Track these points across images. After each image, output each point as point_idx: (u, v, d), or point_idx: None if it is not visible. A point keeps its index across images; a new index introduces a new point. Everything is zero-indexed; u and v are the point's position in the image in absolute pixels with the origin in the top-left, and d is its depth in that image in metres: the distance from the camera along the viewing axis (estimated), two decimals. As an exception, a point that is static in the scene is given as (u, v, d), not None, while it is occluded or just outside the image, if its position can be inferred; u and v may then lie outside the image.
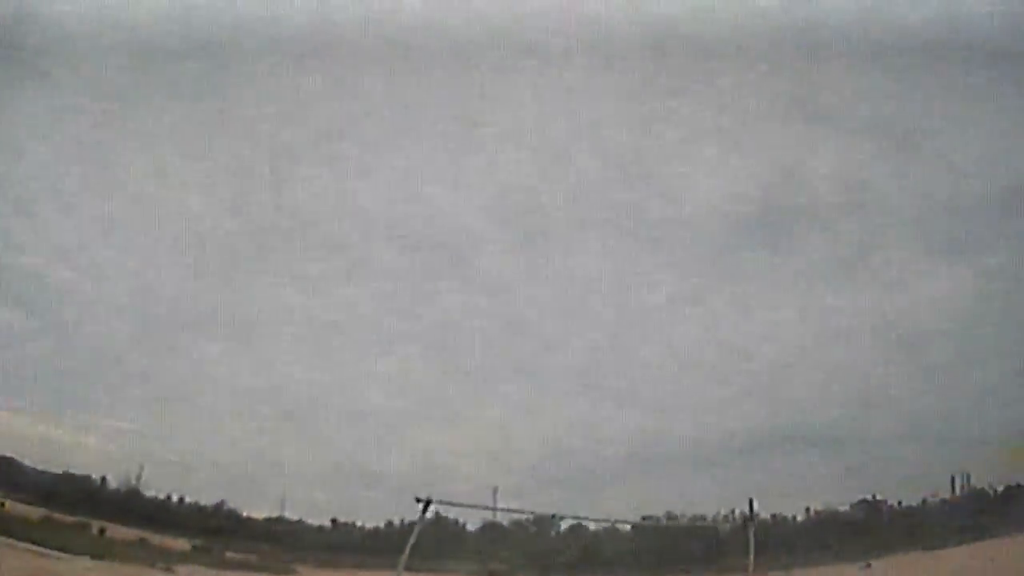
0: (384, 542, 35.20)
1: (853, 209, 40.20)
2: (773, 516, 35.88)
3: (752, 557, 14.13)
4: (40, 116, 35.72)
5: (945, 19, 33.14)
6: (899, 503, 36.79)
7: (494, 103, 38.22)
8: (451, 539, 36.44)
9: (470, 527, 37.42)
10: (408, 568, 33.33)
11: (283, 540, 34.41)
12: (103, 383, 36.14)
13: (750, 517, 13.83)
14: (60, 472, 34.12)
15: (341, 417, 38.83)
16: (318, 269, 39.51)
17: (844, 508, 37.42)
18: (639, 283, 40.71)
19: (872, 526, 35.95)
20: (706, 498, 37.43)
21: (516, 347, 40.91)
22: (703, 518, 36.95)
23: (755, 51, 35.88)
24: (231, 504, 36.00)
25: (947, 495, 36.69)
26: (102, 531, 31.41)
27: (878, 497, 37.05)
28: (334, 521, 36.37)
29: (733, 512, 37.09)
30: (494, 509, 15.18)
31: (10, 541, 26.17)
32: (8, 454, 33.76)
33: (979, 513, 34.17)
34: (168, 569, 28.38)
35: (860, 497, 37.28)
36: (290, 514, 36.18)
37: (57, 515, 31.02)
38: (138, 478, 35.77)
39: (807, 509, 37.49)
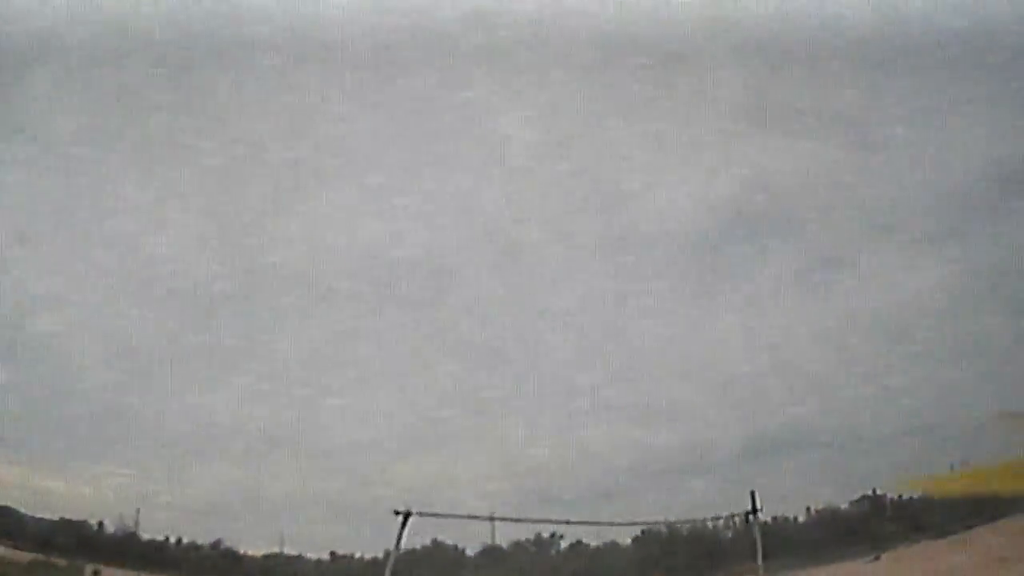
0: (383, 570, 35.01)
1: (826, 210, 40.70)
2: (774, 518, 35.55)
3: (760, 554, 13.53)
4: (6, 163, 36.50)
5: (906, 19, 34.23)
6: (900, 496, 36.45)
7: (461, 124, 39.06)
8: (450, 565, 36.19)
9: (469, 552, 37.23)
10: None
11: (281, 575, 34.27)
12: (93, 431, 36.36)
13: (753, 511, 13.24)
14: (56, 519, 34.23)
15: (333, 451, 38.90)
16: (298, 305, 39.97)
17: (845, 506, 37.12)
18: (622, 297, 41.01)
19: (875, 521, 35.61)
20: (706, 505, 37.36)
21: (503, 371, 41.09)
22: (704, 525, 36.76)
23: (718, 59, 36.92)
24: (228, 543, 35.97)
25: (948, 484, 36.33)
26: (96, 573, 31.35)
27: (879, 492, 36.73)
28: (332, 554, 36.16)
29: (733, 517, 36.90)
30: (478, 518, 14.41)
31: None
32: (5, 503, 33.93)
33: (983, 498, 33.80)
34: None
35: (861, 494, 36.98)
36: (289, 550, 36.15)
37: (47, 558, 30.96)
38: (135, 522, 35.90)
39: (808, 509, 37.18)
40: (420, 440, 39.74)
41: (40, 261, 39.05)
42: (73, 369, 38.48)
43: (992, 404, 34.49)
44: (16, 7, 33.36)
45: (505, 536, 36.94)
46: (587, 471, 38.53)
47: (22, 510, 33.73)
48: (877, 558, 32.17)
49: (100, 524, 35.61)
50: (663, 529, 36.74)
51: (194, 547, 35.49)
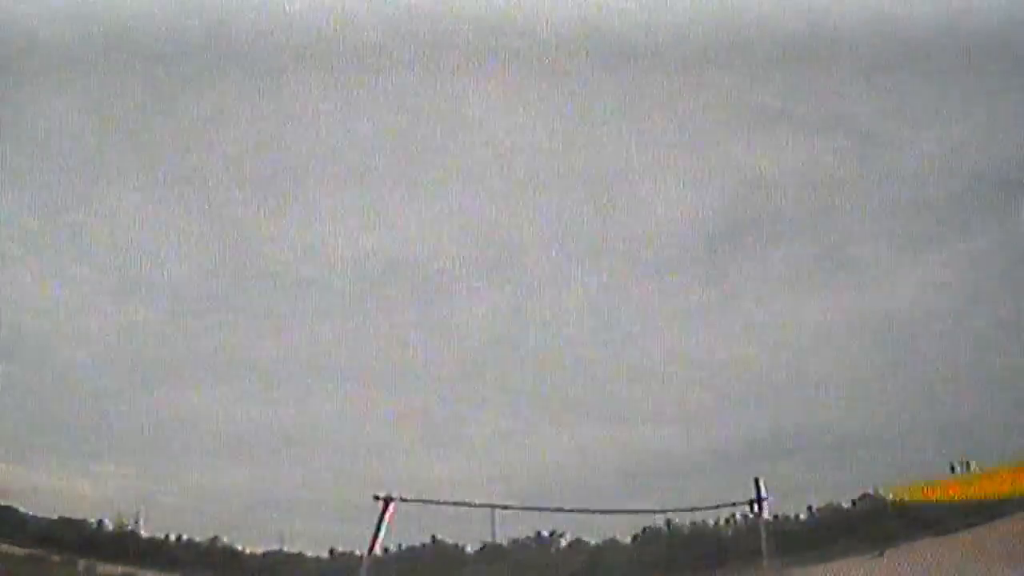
0: (383, 568, 34.87)
1: (823, 210, 40.94)
2: (776, 516, 35.32)
3: (764, 545, 12.99)
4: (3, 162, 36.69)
5: (906, 18, 34.40)
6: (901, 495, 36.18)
7: (456, 130, 39.41)
8: (450, 563, 36.00)
9: (469, 549, 37.05)
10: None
11: (280, 572, 34.11)
12: (93, 431, 36.63)
13: (758, 500, 12.58)
14: (56, 518, 34.20)
15: (332, 450, 39.03)
16: (295, 307, 40.26)
17: (847, 504, 36.88)
18: (620, 300, 41.28)
19: (877, 519, 35.34)
20: (706, 504, 37.10)
21: (502, 372, 41.26)
22: (704, 523, 36.54)
23: (714, 64, 37.13)
24: (228, 540, 35.91)
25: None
26: (89, 568, 31.35)
27: (880, 491, 36.48)
28: (332, 551, 36.00)
29: (734, 516, 36.71)
30: (465, 505, 13.57)
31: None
32: (6, 503, 33.92)
33: (983, 497, 33.56)
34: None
35: (862, 492, 36.76)
36: (289, 547, 36.07)
37: (41, 553, 30.88)
38: (136, 520, 35.88)
39: (809, 508, 36.92)
40: (419, 439, 39.89)
41: (38, 263, 39.45)
42: (73, 370, 38.81)
43: (994, 403, 34.57)
44: (10, 12, 33.80)
45: (505, 534, 36.96)
46: (586, 471, 38.57)
47: (22, 509, 33.79)
48: (881, 554, 31.86)
49: (99, 522, 35.66)
50: (663, 527, 36.54)
51: (193, 544, 35.41)
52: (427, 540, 36.70)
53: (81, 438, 36.76)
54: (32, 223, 38.74)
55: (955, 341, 37.49)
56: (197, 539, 35.52)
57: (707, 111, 39.40)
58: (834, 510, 36.52)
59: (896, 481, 36.08)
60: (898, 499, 37.86)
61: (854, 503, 36.72)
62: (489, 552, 36.53)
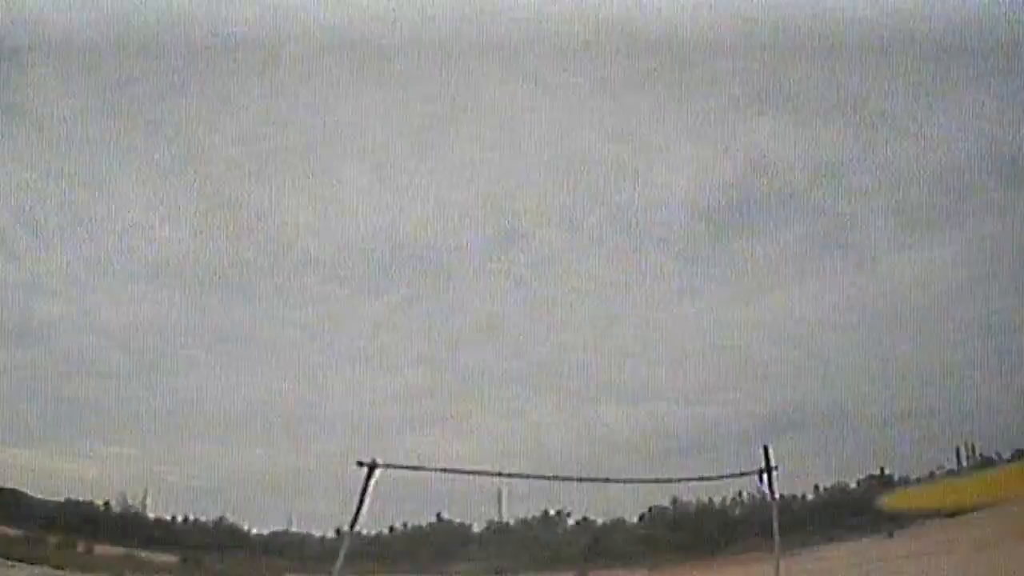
0: (386, 546, 34.98)
1: (829, 191, 40.49)
2: (782, 496, 35.12)
3: (776, 523, 12.47)
4: (9, 147, 36.44)
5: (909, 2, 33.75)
6: (907, 477, 36.07)
7: (463, 108, 38.85)
8: (455, 541, 36.05)
9: (475, 528, 37.12)
10: (413, 572, 33.19)
11: (286, 552, 34.15)
12: (101, 413, 36.59)
13: (767, 469, 12.09)
14: (62, 500, 34.18)
15: (338, 430, 38.87)
16: (300, 285, 40.11)
17: (853, 484, 36.71)
18: (624, 279, 40.89)
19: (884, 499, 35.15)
20: (714, 484, 36.98)
21: (507, 351, 41.12)
22: (711, 503, 36.47)
23: (720, 44, 36.45)
24: (232, 519, 35.99)
25: (954, 466, 36.04)
26: (89, 549, 31.37)
27: (887, 471, 36.31)
28: (339, 531, 36.00)
29: (741, 494, 36.62)
30: (455, 472, 12.70)
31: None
32: (11, 486, 33.88)
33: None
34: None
35: (868, 473, 36.59)
36: (296, 528, 36.12)
37: (38, 535, 30.91)
38: (142, 502, 35.95)
39: (816, 487, 36.80)
40: (426, 418, 39.78)
41: (47, 246, 39.28)
42: (80, 352, 38.73)
43: (996, 385, 34.30)
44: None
45: (512, 513, 37.01)
46: (592, 450, 38.44)
47: (29, 492, 33.63)
48: (891, 535, 31.74)
49: (106, 504, 35.70)
50: (669, 506, 36.52)
51: (198, 524, 35.47)
52: (432, 519, 36.88)
53: (88, 420, 36.78)
54: (36, 204, 38.48)
55: (961, 323, 37.12)
56: (203, 519, 35.59)
57: (712, 93, 38.80)
58: (841, 490, 36.39)
59: (902, 463, 35.87)
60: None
61: (859, 484, 36.64)
62: (495, 531, 36.59)
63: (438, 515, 36.90)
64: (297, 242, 41.06)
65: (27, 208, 38.27)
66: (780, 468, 12.89)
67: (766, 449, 13.68)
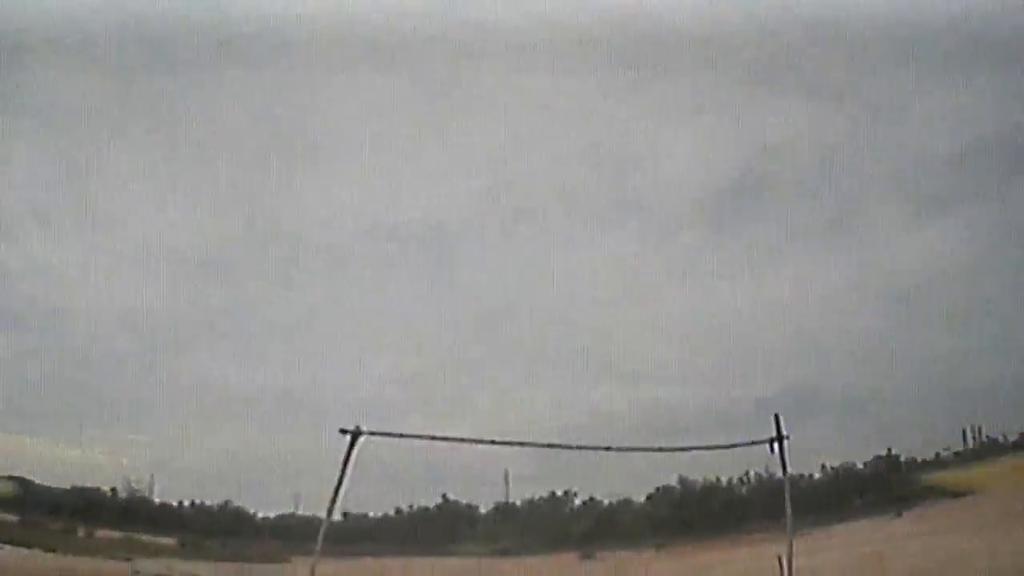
0: (392, 528, 35.11)
1: (833, 174, 40.02)
2: (789, 475, 35.08)
3: (788, 499, 12.00)
4: (16, 137, 35.88)
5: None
6: (914, 459, 36.05)
7: (470, 93, 38.30)
8: (463, 522, 36.15)
9: (483, 509, 37.20)
10: (421, 554, 33.25)
11: (293, 535, 34.16)
12: (107, 400, 36.39)
13: (779, 438, 11.51)
14: (68, 487, 34.14)
15: (346, 413, 38.63)
16: (306, 270, 39.81)
17: (860, 465, 36.68)
18: (632, 261, 40.70)
19: (891, 480, 35.16)
20: (720, 465, 36.94)
21: (513, 333, 40.92)
22: (718, 482, 36.41)
23: (729, 32, 35.65)
24: (240, 504, 36.03)
25: (959, 448, 36.02)
26: (90, 533, 31.35)
27: (893, 452, 36.27)
28: (345, 514, 36.07)
29: (748, 474, 36.57)
30: (446, 439, 11.91)
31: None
32: (20, 474, 33.78)
33: (995, 462, 33.39)
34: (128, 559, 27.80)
35: (875, 453, 36.55)
36: (303, 511, 36.12)
37: (39, 519, 30.85)
38: (149, 488, 35.97)
39: (823, 466, 36.75)
40: (431, 400, 39.59)
41: (53, 234, 38.97)
42: (87, 339, 38.58)
43: (1002, 368, 34.07)
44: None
45: (518, 494, 37.02)
46: (599, 431, 38.37)
47: (36, 480, 33.55)
48: (899, 515, 31.72)
49: (113, 490, 35.77)
50: (677, 486, 36.47)
51: (204, 508, 35.53)
52: (438, 500, 36.91)
53: (97, 408, 36.56)
54: (46, 193, 38.09)
55: (968, 306, 36.87)
56: (208, 503, 35.64)
57: (721, 79, 38.09)
58: (848, 470, 36.33)
59: (910, 445, 35.81)
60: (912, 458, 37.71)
61: (865, 465, 36.59)
62: (502, 511, 36.65)
63: (444, 496, 36.99)
64: (306, 229, 40.65)
65: (35, 199, 37.96)
66: (788, 449, 12.63)
67: (777, 417, 13.39)
